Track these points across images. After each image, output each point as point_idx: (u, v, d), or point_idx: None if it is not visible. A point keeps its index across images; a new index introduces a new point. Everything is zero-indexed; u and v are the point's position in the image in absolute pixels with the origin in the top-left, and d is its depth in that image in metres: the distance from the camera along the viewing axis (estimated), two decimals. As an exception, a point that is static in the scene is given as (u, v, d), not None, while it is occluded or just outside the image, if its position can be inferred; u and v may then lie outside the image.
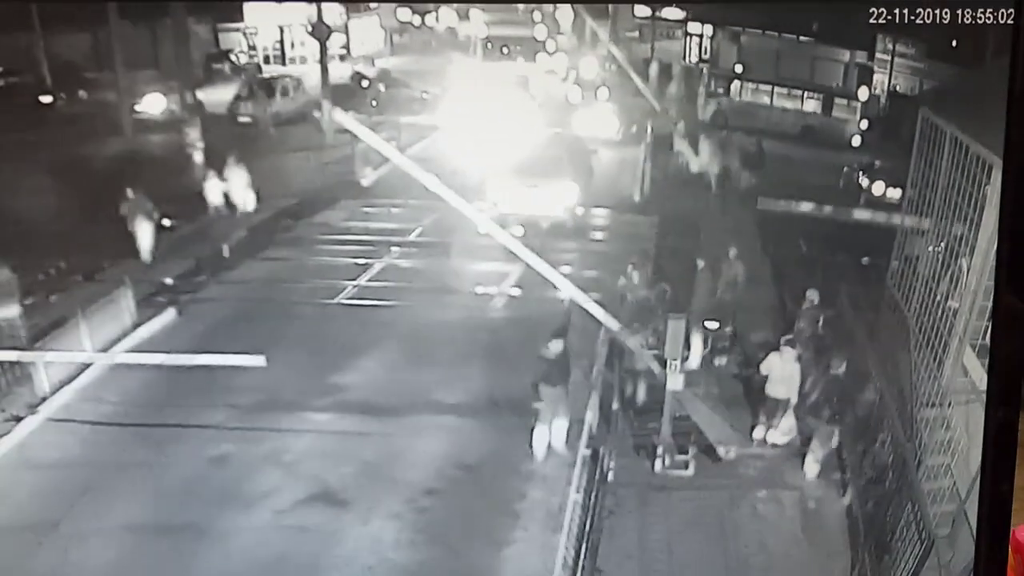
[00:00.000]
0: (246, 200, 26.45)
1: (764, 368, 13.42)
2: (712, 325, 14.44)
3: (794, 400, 13.19)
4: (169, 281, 19.88)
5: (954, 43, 32.01)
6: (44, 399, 14.73)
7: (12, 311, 16.10)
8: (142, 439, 13.81)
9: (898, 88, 37.24)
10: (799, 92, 41.15)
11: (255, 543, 11.41)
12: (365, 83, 44.67)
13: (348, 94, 39.41)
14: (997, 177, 10.46)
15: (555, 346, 12.84)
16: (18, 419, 14.24)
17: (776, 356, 13.32)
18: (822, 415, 12.49)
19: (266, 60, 55.04)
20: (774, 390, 13.36)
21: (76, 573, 11.01)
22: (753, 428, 13.58)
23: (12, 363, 14.46)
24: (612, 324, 13.55)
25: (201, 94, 37.86)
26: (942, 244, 12.29)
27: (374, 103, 39.55)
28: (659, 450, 12.81)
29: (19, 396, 14.65)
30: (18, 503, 12.42)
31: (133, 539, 11.57)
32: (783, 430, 13.35)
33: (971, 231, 11.10)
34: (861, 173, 27.51)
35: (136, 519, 11.95)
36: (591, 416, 13.01)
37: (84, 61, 44.69)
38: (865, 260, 19.42)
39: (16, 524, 11.92)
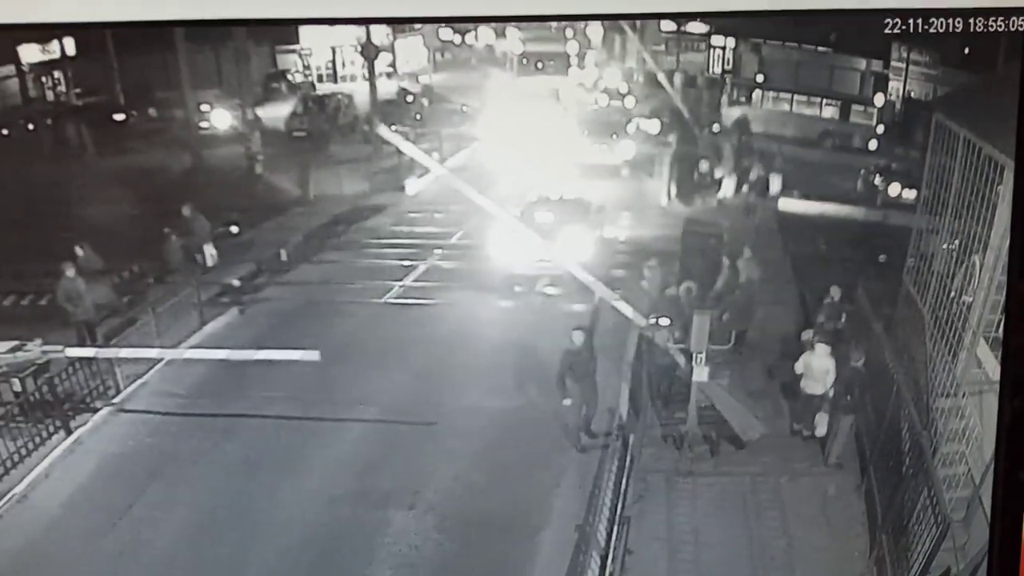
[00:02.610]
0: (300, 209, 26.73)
1: (799, 367, 13.15)
2: (735, 321, 14.26)
3: (830, 393, 12.95)
4: (232, 282, 20.03)
5: (967, 50, 31.47)
6: (119, 392, 14.91)
7: (89, 312, 16.31)
8: (207, 428, 13.90)
9: (913, 94, 36.63)
10: (818, 99, 40.67)
11: (310, 526, 11.45)
12: (410, 98, 44.83)
13: (394, 108, 39.59)
14: (1009, 177, 10.20)
15: (577, 337, 12.72)
16: (95, 410, 14.41)
17: (809, 355, 13.05)
18: (842, 405, 12.27)
19: (319, 79, 55.54)
20: (810, 387, 13.08)
21: (147, 552, 11.13)
22: (792, 424, 13.34)
23: (90, 359, 14.58)
24: (640, 321, 13.35)
25: (260, 111, 38.27)
26: (956, 242, 12.02)
27: (418, 116, 39.68)
28: (685, 438, 12.68)
29: (96, 389, 14.81)
30: (95, 487, 12.59)
31: (199, 522, 11.67)
32: (819, 422, 13.11)
33: (984, 229, 10.85)
34: (878, 175, 27.07)
35: (202, 503, 12.06)
36: (622, 405, 12.91)
37: (154, 82, 45.28)
38: (882, 258, 19.09)
39: (93, 506, 12.11)
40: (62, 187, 23.90)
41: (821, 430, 13.03)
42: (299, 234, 23.41)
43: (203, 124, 35.74)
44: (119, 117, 41.20)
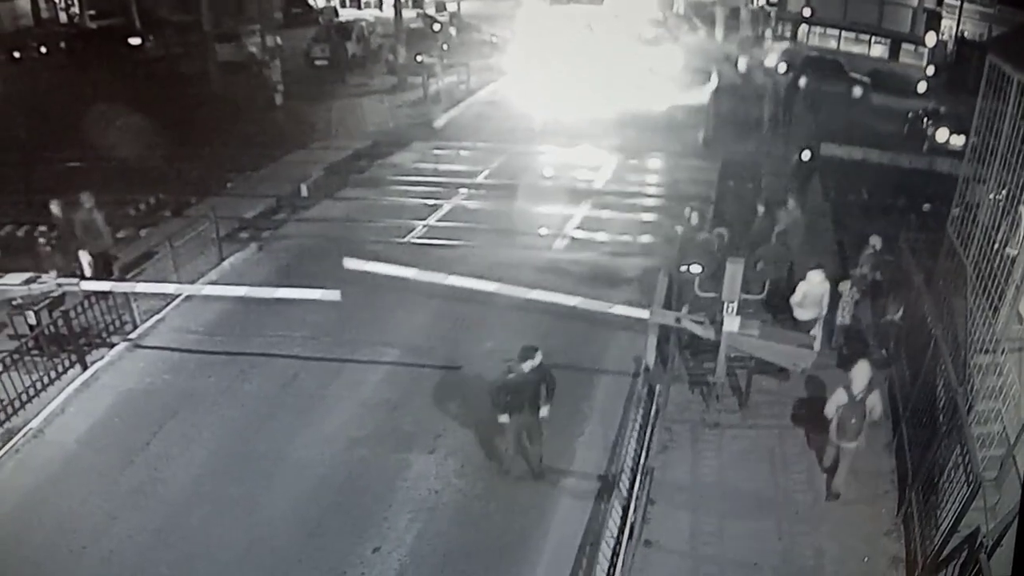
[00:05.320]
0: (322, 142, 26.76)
1: (796, 299, 13.48)
2: (770, 270, 14.25)
3: (824, 313, 13.56)
4: (251, 217, 20.20)
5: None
6: (135, 327, 15.19)
7: (106, 244, 16.51)
8: (226, 366, 14.20)
9: (966, 33, 35.89)
10: (866, 37, 39.88)
11: (329, 467, 11.73)
12: (436, 27, 44.59)
13: (420, 37, 39.39)
14: (1062, 124, 10.12)
15: (527, 365, 10.68)
16: (111, 345, 14.70)
17: (804, 284, 13.41)
18: (877, 359, 12.32)
19: (342, 4, 55.18)
20: (803, 314, 13.48)
21: (164, 490, 11.39)
22: None
23: (106, 293, 14.80)
24: (641, 313, 13.00)
25: (281, 37, 38.04)
26: (1003, 192, 11.89)
27: (445, 47, 39.47)
28: (714, 389, 12.75)
29: (113, 324, 15.11)
30: (112, 423, 12.89)
31: (216, 461, 11.95)
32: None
33: (1033, 179, 10.75)
34: (926, 119, 26.68)
35: (219, 442, 12.33)
36: (648, 355, 12.97)
37: (171, 5, 45.10)
38: (926, 207, 18.95)
39: (110, 442, 12.40)
40: (76, 114, 24.08)
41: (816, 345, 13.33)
42: (320, 168, 23.49)
43: (222, 50, 35.71)
44: (135, 41, 41.29)
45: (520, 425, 10.95)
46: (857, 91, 31.71)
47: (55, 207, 15.68)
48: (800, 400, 12.74)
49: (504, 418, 10.81)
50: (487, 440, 11.89)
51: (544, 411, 10.86)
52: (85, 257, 14.58)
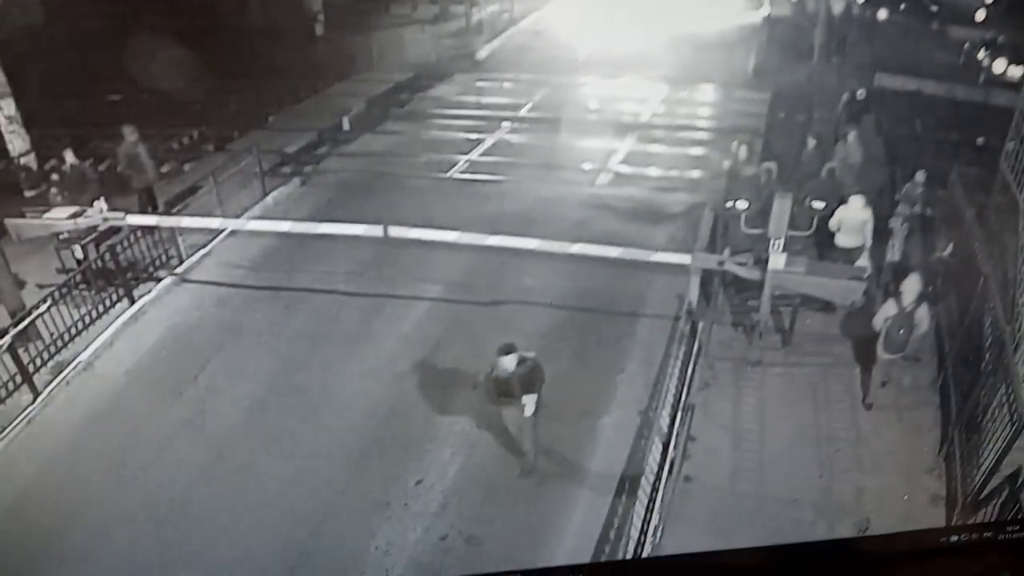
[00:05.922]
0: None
1: (833, 223, 13.52)
2: (819, 205, 14.14)
3: (868, 244, 13.50)
4: (293, 152, 20.41)
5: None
6: (181, 261, 15.60)
7: (150, 178, 16.83)
8: (271, 301, 14.55)
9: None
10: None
11: (373, 401, 12.04)
12: (478, -47, 43.84)
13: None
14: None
15: (508, 362, 10.00)
16: (158, 280, 15.12)
17: (844, 208, 13.41)
18: (925, 294, 12.26)
19: (383, -70, 53.85)
20: (846, 241, 13.55)
21: (212, 422, 11.77)
22: None
23: (152, 227, 15.15)
24: (683, 259, 12.91)
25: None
26: (1060, 126, 11.70)
27: (487, -26, 39.00)
28: (757, 327, 12.79)
29: (159, 258, 15.52)
30: (160, 357, 13.32)
31: (262, 393, 12.31)
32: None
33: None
34: (983, 49, 25.98)
35: (265, 375, 12.68)
36: (691, 292, 13.03)
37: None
38: (980, 140, 18.61)
39: (159, 376, 12.82)
40: (115, 47, 24.27)
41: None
42: (361, 101, 23.56)
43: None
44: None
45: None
46: (935, 25, 30.78)
47: (69, 155, 15.70)
48: (847, 322, 13.13)
49: (530, 408, 10.23)
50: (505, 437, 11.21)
51: (526, 400, 10.20)
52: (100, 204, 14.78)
